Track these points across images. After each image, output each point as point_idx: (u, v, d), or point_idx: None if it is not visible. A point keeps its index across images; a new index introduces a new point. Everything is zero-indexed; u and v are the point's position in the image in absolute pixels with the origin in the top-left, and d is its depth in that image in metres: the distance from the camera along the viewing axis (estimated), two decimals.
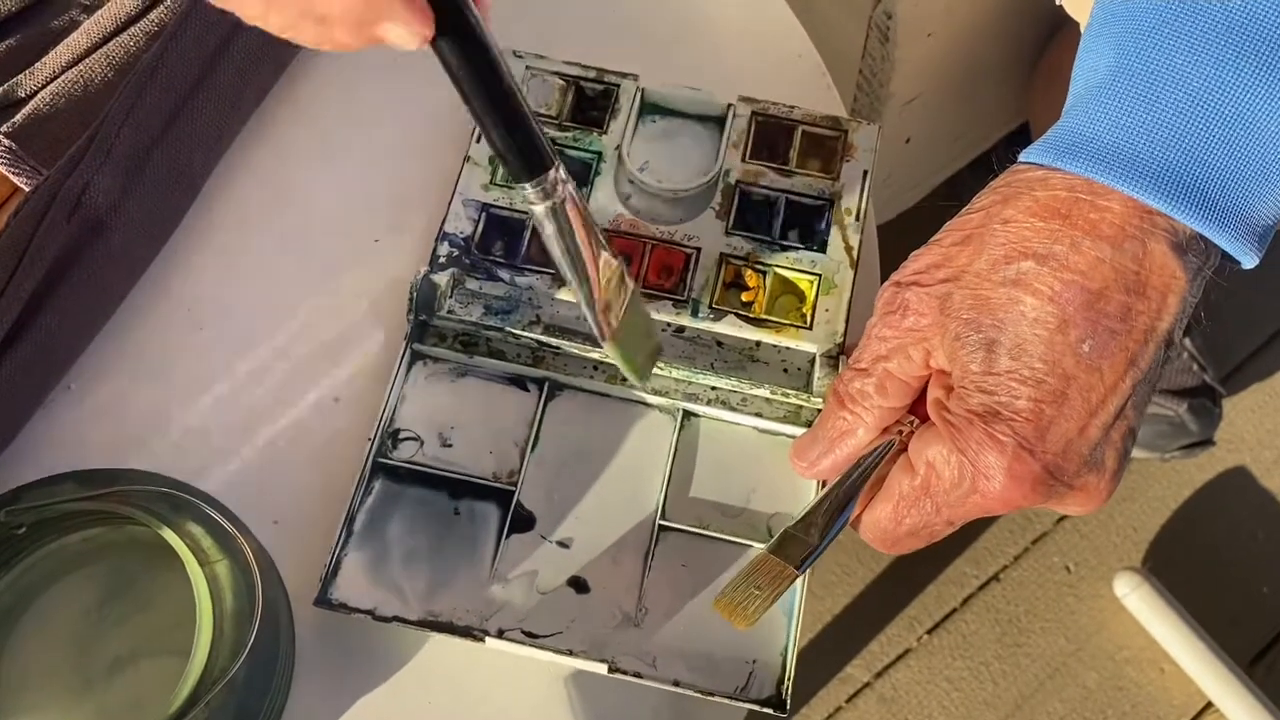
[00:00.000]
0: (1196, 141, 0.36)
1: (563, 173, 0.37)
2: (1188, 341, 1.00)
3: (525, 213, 0.51)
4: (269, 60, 0.52)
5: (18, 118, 0.49)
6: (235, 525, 0.41)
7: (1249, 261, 0.37)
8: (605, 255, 0.40)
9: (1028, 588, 1.11)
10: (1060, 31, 0.69)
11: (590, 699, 0.46)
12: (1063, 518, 1.11)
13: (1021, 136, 0.78)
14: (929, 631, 1.10)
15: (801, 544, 0.41)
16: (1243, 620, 1.09)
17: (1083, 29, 0.41)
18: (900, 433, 0.41)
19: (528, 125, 0.36)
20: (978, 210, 0.40)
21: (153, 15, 0.53)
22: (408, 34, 0.33)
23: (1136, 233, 0.37)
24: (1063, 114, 0.39)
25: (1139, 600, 1.07)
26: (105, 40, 0.52)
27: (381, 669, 0.46)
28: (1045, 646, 1.09)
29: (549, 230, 0.39)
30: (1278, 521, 1.13)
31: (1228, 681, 1.05)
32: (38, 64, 0.51)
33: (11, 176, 0.49)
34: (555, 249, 0.39)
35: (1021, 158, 0.39)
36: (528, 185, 0.37)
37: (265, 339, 0.51)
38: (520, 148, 0.36)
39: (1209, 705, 1.07)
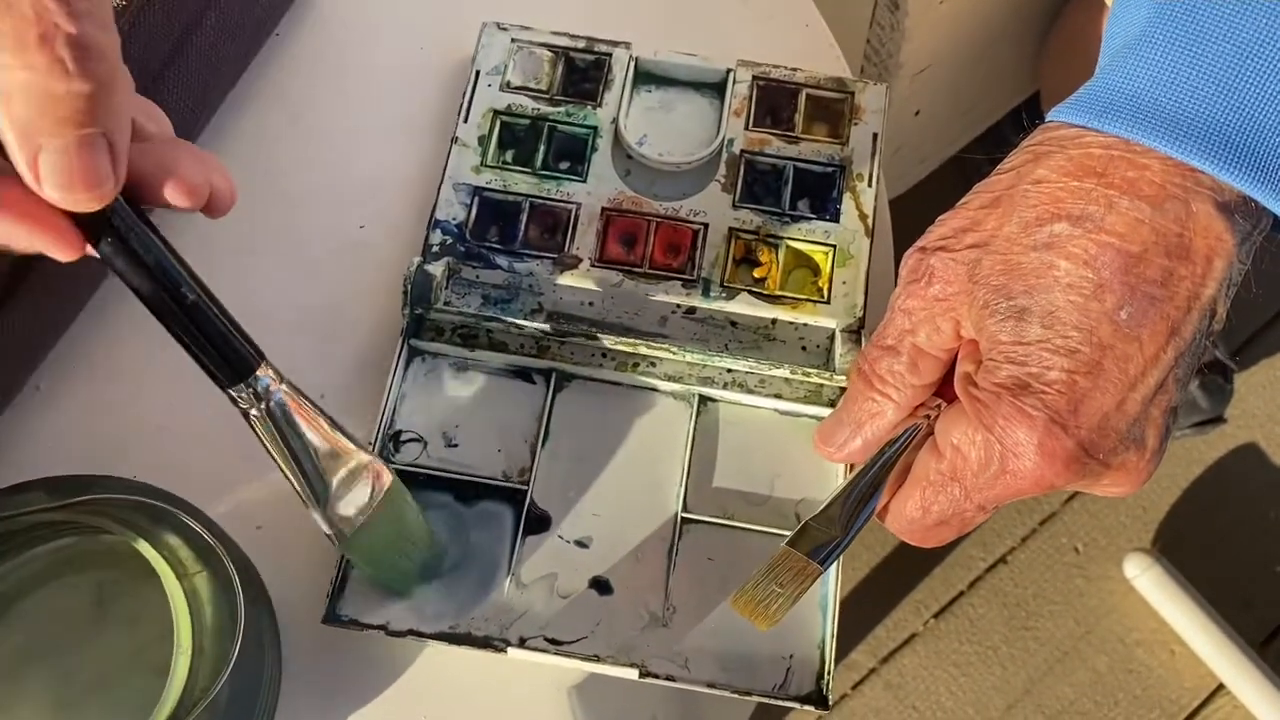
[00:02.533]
0: (1245, 96, 0.33)
1: (272, 371, 0.34)
2: None
3: (521, 195, 0.48)
4: (241, 39, 0.49)
5: None
6: (215, 535, 0.38)
7: None
8: (340, 450, 0.36)
9: (1036, 570, 1.08)
10: None
11: (590, 701, 0.43)
12: (1071, 497, 1.09)
13: (1032, 106, 0.76)
14: (935, 616, 1.08)
15: (825, 537, 0.38)
16: (1255, 601, 1.07)
17: None
18: (928, 416, 0.39)
19: (220, 327, 0.32)
20: (1007, 171, 0.37)
21: None
22: (56, 254, 0.30)
23: (1179, 192, 0.34)
24: (1096, 71, 0.37)
25: (1149, 582, 1.05)
26: None
27: (373, 682, 0.43)
28: (1054, 630, 1.07)
29: (264, 433, 0.34)
30: None
31: (1239, 663, 1.03)
32: None
33: None
34: (275, 454, 0.35)
35: (1051, 116, 0.36)
36: (231, 392, 0.33)
37: (246, 330, 0.47)
38: (214, 358, 0.33)
39: (1220, 687, 1.05)
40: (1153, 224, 0.34)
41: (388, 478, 0.38)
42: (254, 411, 0.34)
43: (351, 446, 0.37)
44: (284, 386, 0.34)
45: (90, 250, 0.31)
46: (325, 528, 0.37)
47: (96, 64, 0.27)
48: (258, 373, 0.34)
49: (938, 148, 0.73)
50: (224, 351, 0.33)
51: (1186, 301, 0.34)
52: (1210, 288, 0.34)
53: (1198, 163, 0.33)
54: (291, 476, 0.36)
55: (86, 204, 0.29)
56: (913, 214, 0.61)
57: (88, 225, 0.30)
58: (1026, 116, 0.76)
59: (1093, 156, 0.35)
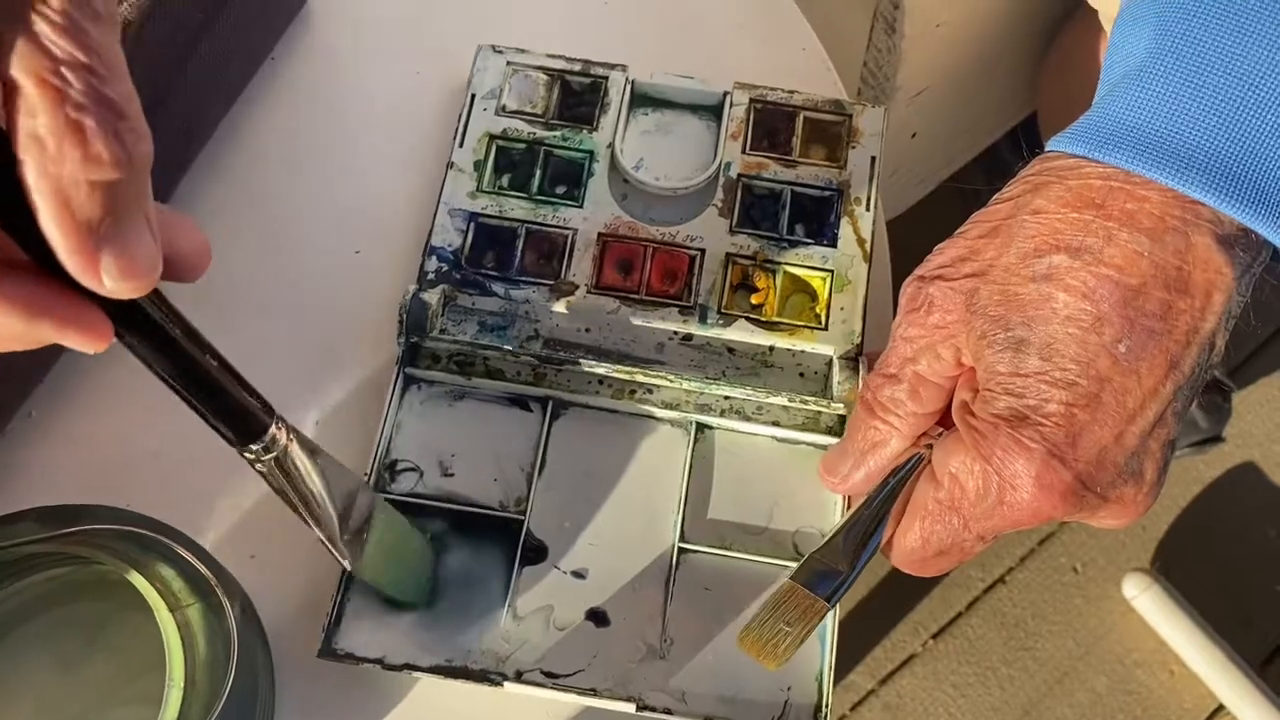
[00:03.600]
0: (1246, 127, 0.33)
1: (279, 424, 0.34)
2: None
3: (517, 220, 0.47)
4: (238, 61, 0.49)
5: None
6: (208, 565, 0.37)
7: None
8: (341, 486, 0.37)
9: (1035, 590, 1.08)
10: (1071, 19, 0.67)
11: None
12: None
13: (1029, 127, 0.76)
14: (934, 636, 1.07)
15: (830, 571, 0.37)
16: (1255, 621, 1.07)
17: (1102, 17, 0.38)
18: (929, 446, 0.38)
19: (235, 392, 0.32)
20: (1006, 200, 0.37)
21: (122, 7, 0.49)
22: (82, 348, 0.28)
23: (1178, 224, 0.34)
24: (1095, 101, 0.36)
25: (1148, 602, 1.05)
26: None
27: (369, 714, 0.42)
28: (1053, 650, 1.06)
29: (274, 483, 0.35)
30: None
31: (1240, 684, 1.02)
32: None
33: None
34: (287, 497, 0.35)
35: (1050, 145, 0.36)
36: (249, 449, 0.33)
37: (239, 361, 0.47)
38: (229, 421, 0.32)
39: (1220, 708, 1.04)
40: (1152, 257, 0.34)
41: (368, 494, 0.38)
42: (261, 465, 0.34)
43: (350, 474, 0.37)
44: (292, 437, 0.34)
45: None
46: (342, 559, 0.37)
47: (143, 144, 0.26)
48: (270, 430, 0.33)
49: (935, 169, 0.73)
50: (239, 415, 0.33)
51: (1185, 335, 0.34)
52: (1210, 321, 0.34)
53: (1198, 194, 0.33)
54: (305, 517, 0.36)
55: (142, 290, 0.27)
56: (910, 235, 0.61)
57: (114, 311, 0.28)
58: (1024, 137, 0.76)
59: (1092, 188, 0.35)
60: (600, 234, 0.47)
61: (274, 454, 0.34)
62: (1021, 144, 0.76)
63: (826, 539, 0.38)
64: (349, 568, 0.38)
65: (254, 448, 0.33)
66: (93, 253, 0.26)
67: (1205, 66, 0.33)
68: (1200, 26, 0.34)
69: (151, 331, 0.30)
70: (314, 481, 0.35)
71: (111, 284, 0.26)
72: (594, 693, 0.41)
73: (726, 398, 0.45)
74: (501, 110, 0.50)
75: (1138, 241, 0.34)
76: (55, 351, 0.46)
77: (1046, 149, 0.37)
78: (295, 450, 0.35)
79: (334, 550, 0.37)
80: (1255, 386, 1.13)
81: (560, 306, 0.46)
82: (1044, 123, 0.73)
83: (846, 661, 1.05)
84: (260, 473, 0.35)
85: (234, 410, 0.33)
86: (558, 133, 0.49)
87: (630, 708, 0.41)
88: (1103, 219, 0.34)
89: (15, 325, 0.27)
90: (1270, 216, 0.33)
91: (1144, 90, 0.34)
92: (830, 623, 0.42)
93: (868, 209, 0.48)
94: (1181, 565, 1.08)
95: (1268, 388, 1.13)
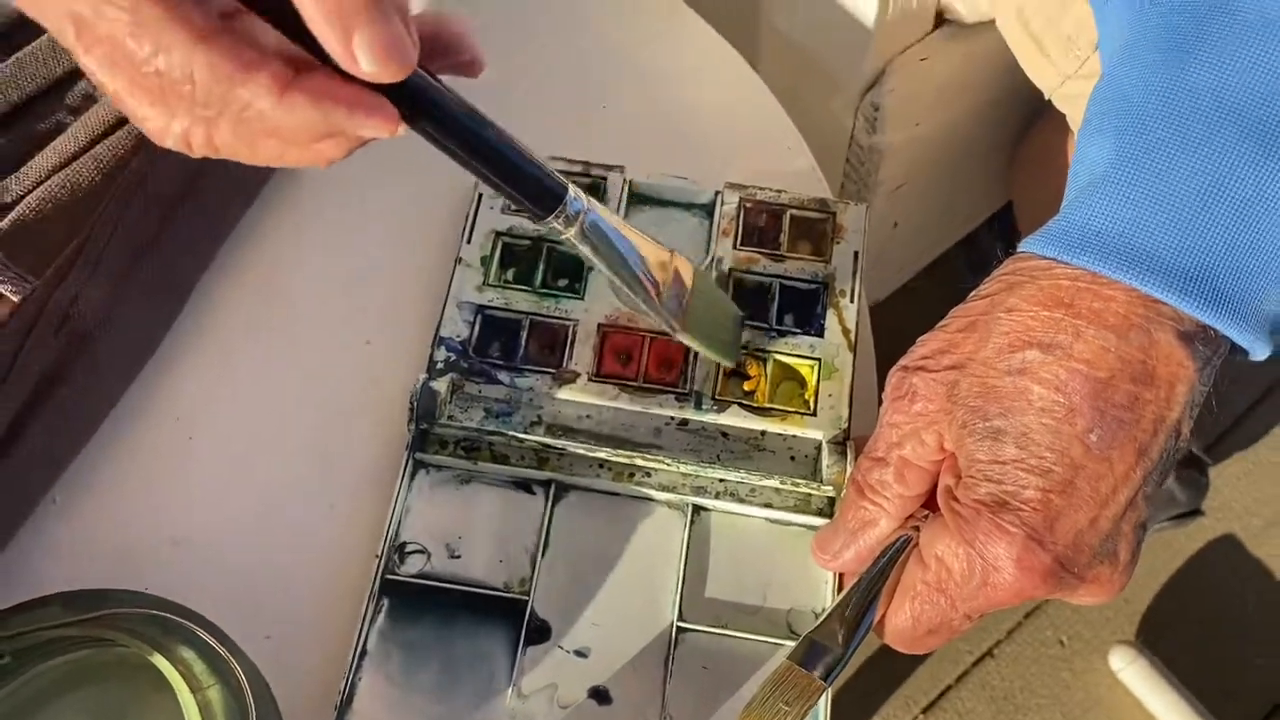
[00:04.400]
0: (1202, 236, 0.36)
1: (578, 194, 0.38)
2: None
3: (522, 312, 0.50)
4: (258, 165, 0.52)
5: (3, 224, 0.48)
6: (228, 647, 0.39)
7: (1260, 352, 0.37)
8: (652, 250, 0.41)
9: (1022, 663, 1.09)
10: (1042, 118, 0.71)
11: None
12: None
13: (1005, 216, 0.79)
14: (924, 710, 1.08)
15: (826, 650, 0.39)
16: (1237, 693, 1.08)
17: (1070, 120, 0.41)
18: (917, 527, 0.41)
19: (528, 169, 0.36)
20: (983, 297, 0.40)
21: None
22: (378, 132, 0.33)
23: (1142, 322, 0.36)
24: (1063, 205, 0.39)
25: (1134, 675, 1.06)
26: (92, 143, 0.51)
27: None
28: None
29: (585, 251, 0.39)
30: (1268, 589, 1.13)
31: None
32: (24, 168, 0.50)
33: None
34: (598, 265, 0.40)
35: (1023, 247, 0.39)
36: (549, 220, 0.38)
37: (256, 447, 0.49)
38: (528, 192, 0.37)
39: None
40: (1118, 352, 0.36)
41: (688, 263, 0.42)
42: (571, 233, 0.38)
43: (655, 244, 0.41)
44: (593, 205, 0.38)
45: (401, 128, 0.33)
46: (666, 321, 0.42)
47: None
48: (568, 196, 0.37)
49: (917, 256, 0.76)
50: (538, 184, 0.37)
51: (1153, 425, 0.37)
52: (1174, 411, 0.37)
53: (1159, 294, 0.36)
54: (623, 283, 0.40)
55: (397, 74, 0.31)
56: (894, 318, 0.64)
57: (396, 97, 0.32)
58: (1000, 225, 0.80)
59: (1061, 288, 0.37)
60: (600, 324, 0.50)
61: (577, 224, 0.38)
62: (998, 231, 0.80)
63: (821, 619, 0.40)
64: (675, 329, 0.42)
65: (561, 215, 0.37)
66: (346, 38, 0.30)
67: (1160, 178, 0.36)
68: (1155, 142, 0.37)
69: (434, 112, 0.34)
70: (627, 239, 0.39)
71: (368, 66, 0.31)
72: None
73: (721, 480, 0.47)
74: (507, 208, 0.52)
75: (1104, 338, 0.36)
76: (81, 440, 0.48)
77: (1019, 249, 0.40)
78: (600, 211, 0.38)
79: (654, 314, 0.41)
80: (1231, 460, 1.15)
81: (563, 394, 0.48)
82: (1019, 212, 0.77)
83: None
84: (572, 242, 0.38)
85: (530, 178, 0.36)
86: None
87: None
88: (1071, 317, 0.37)
89: (310, 113, 0.32)
90: (1225, 314, 0.36)
91: (1106, 199, 0.37)
92: (824, 699, 0.44)
93: (851, 301, 0.51)
94: (1166, 637, 1.09)
95: (1243, 461, 1.15)
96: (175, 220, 0.48)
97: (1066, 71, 0.56)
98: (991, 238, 0.80)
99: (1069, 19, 0.55)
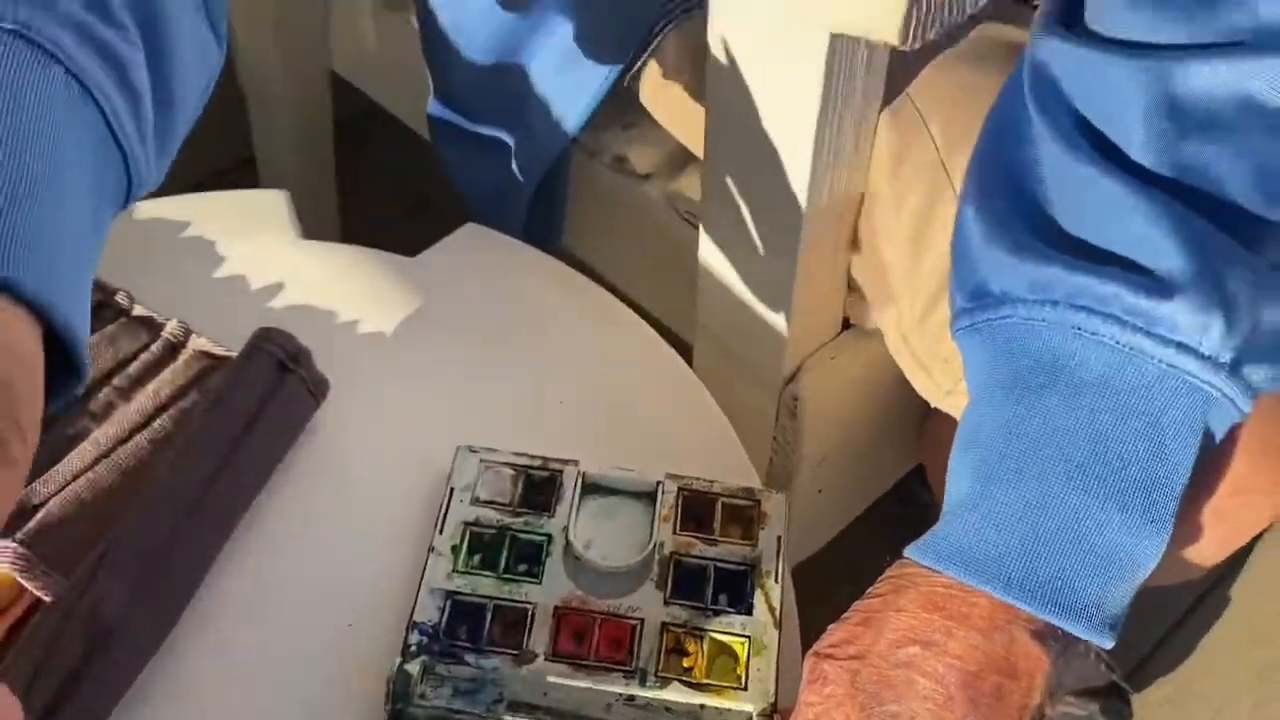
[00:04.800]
0: (1039, 556, 0.45)
1: None
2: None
3: (486, 597, 0.57)
4: (262, 470, 0.60)
5: (30, 524, 0.54)
6: None
7: (1105, 642, 0.45)
8: None
9: None
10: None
11: None
12: None
13: (917, 473, 0.88)
14: None
15: None
16: None
17: (957, 419, 0.50)
18: None
19: None
20: (876, 597, 0.48)
21: (157, 423, 0.60)
22: None
23: (1003, 623, 0.45)
24: (941, 517, 0.48)
25: None
26: (113, 448, 0.59)
27: None
28: None
29: None
30: None
31: None
32: (50, 472, 0.57)
33: (25, 582, 0.53)
34: None
35: (908, 553, 0.48)
36: None
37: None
38: None
39: None
40: (984, 649, 0.44)
41: None
42: None
43: None
44: None
45: None
46: None
47: None
48: None
49: (841, 516, 0.85)
50: None
51: (1018, 711, 0.44)
52: (1034, 697, 0.45)
53: (1013, 602, 0.44)
54: None
55: None
56: (820, 576, 0.71)
57: None
58: (919, 479, 0.88)
59: (937, 593, 0.46)
60: (556, 607, 0.57)
61: None
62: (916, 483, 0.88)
63: None
64: None
65: None
66: None
67: (1008, 510, 0.45)
68: (1001, 478, 0.46)
69: None
70: None
71: None
72: None
73: None
74: (475, 500, 0.60)
75: (972, 637, 0.45)
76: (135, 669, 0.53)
77: (905, 555, 0.48)
78: None
79: None
80: (1153, 688, 1.21)
81: (523, 673, 0.54)
82: (930, 471, 0.86)
83: None
84: None
85: None
86: (521, 519, 0.59)
87: None
88: (944, 619, 0.45)
89: None
90: (1068, 616, 0.44)
91: (967, 523, 0.46)
92: None
93: (776, 581, 0.58)
94: None
95: (1165, 688, 1.21)
96: (190, 524, 0.55)
97: (946, 388, 0.67)
98: (907, 500, 0.89)
99: (946, 344, 0.65)
